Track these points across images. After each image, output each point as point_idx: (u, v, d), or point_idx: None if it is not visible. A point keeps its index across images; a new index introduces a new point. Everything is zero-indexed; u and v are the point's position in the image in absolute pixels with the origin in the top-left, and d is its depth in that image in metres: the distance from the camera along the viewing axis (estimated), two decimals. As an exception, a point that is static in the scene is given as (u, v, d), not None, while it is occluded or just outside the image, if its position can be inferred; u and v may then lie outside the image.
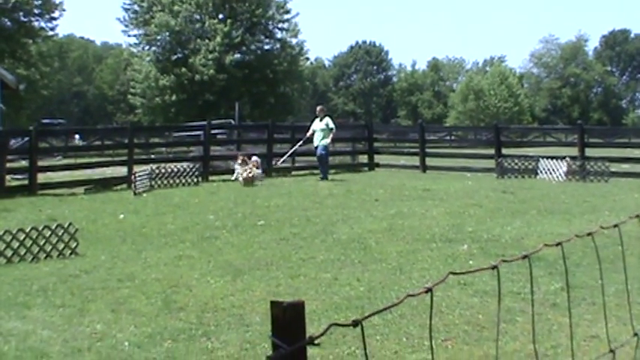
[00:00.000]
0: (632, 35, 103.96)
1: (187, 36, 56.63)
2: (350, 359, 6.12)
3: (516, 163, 24.42)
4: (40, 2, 52.15)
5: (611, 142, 29.01)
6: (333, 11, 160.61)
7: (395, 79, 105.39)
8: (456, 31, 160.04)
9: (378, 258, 10.16)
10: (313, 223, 13.52)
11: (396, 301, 2.31)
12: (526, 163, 24.31)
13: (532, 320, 4.84)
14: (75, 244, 11.15)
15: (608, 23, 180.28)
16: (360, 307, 7.65)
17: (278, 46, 59.55)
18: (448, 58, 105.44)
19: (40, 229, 11.02)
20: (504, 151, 26.45)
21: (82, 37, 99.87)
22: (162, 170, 21.79)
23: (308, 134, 23.44)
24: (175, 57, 57.04)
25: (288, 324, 2.10)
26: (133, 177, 20.60)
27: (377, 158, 29.34)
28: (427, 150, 28.05)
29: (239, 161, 22.49)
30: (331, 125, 23.12)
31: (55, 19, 53.95)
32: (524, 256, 2.97)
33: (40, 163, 22.64)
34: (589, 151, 24.63)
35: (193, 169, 22.60)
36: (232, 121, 43.17)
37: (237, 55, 56.07)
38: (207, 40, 55.28)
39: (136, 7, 58.48)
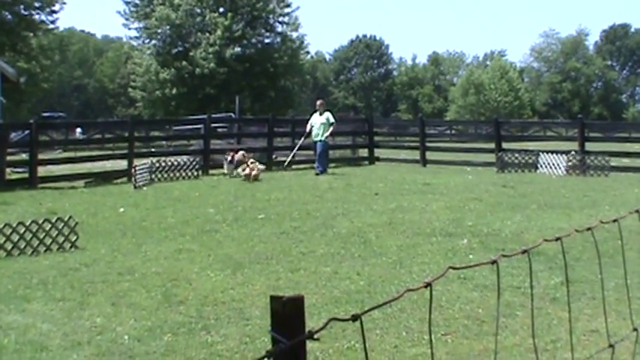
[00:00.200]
0: (632, 30, 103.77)
1: (188, 29, 56.58)
2: (350, 353, 6.13)
3: (516, 158, 24.41)
4: (40, -5, 52.10)
5: (612, 136, 28.98)
6: (333, 5, 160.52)
7: (395, 73, 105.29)
8: (457, 25, 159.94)
9: (378, 252, 10.17)
10: (313, 217, 13.52)
11: (396, 295, 2.31)
12: (526, 158, 24.30)
13: (532, 315, 4.84)
14: (75, 238, 11.15)
15: (608, 17, 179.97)
16: (360, 301, 7.66)
17: (278, 39, 59.49)
18: (448, 52, 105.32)
19: (41, 222, 11.02)
20: (505, 145, 26.43)
21: (83, 31, 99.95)
22: (163, 164, 21.79)
23: (308, 128, 23.38)
24: (176, 50, 56.99)
25: (287, 318, 2.10)
26: (133, 170, 20.58)
27: (377, 152, 29.33)
28: (427, 144, 28.03)
29: (229, 158, 22.30)
30: (332, 120, 23.11)
31: (55, 12, 53.92)
32: (524, 251, 2.97)
33: (41, 157, 22.63)
34: (589, 146, 24.61)
35: (194, 163, 22.59)
36: (233, 115, 43.13)
37: (238, 49, 56.02)
38: (207, 34, 55.23)
39: (136, 0, 58.42)
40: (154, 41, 58.03)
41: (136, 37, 60.48)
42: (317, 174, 22.36)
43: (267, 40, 59.67)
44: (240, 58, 55.83)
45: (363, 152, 29.91)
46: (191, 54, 54.96)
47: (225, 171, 22.26)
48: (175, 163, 22.15)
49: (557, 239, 3.21)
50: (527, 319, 6.65)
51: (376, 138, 30.13)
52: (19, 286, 8.65)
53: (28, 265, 9.88)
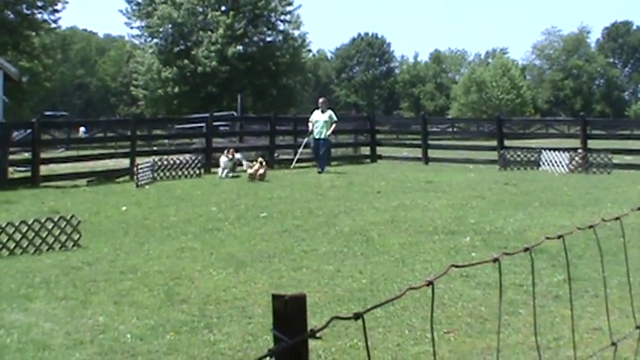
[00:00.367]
0: (634, 27, 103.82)
1: (190, 28, 56.58)
2: (352, 352, 6.13)
3: (519, 155, 24.40)
4: (42, -6, 52.13)
5: (614, 133, 28.95)
6: (335, 3, 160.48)
7: (397, 71, 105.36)
8: (458, 23, 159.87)
9: (380, 250, 10.17)
10: (315, 215, 13.52)
11: (398, 293, 2.31)
12: (528, 155, 24.30)
13: (534, 312, 4.83)
14: (77, 237, 11.16)
15: (610, 15, 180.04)
16: (363, 299, 7.65)
17: (280, 38, 59.49)
18: (450, 49, 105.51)
19: (43, 221, 11.03)
20: (507, 142, 26.43)
21: (85, 30, 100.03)
22: (165, 162, 21.79)
23: (310, 127, 23.28)
24: (178, 49, 57.00)
25: (289, 317, 2.10)
26: (135, 169, 20.57)
27: (379, 150, 29.32)
28: (429, 142, 28.03)
29: (226, 158, 21.84)
30: (334, 118, 23.08)
31: (57, 11, 53.99)
32: (527, 249, 2.97)
33: (43, 155, 22.65)
34: (591, 143, 24.61)
35: (196, 161, 22.60)
36: (235, 113, 43.15)
37: (240, 47, 56.04)
38: (209, 32, 55.23)
39: (138, -1, 58.45)
40: (156, 40, 58.05)
41: (138, 36, 60.58)
42: (319, 172, 22.33)
43: (269, 39, 59.67)
44: (242, 56, 55.84)
45: (365, 150, 29.90)
46: (193, 52, 54.97)
47: (221, 174, 21.70)
48: (177, 161, 22.16)
49: (560, 237, 3.20)
50: (530, 316, 6.64)
51: (378, 136, 30.15)
52: (22, 285, 8.65)
53: (31, 264, 9.89)
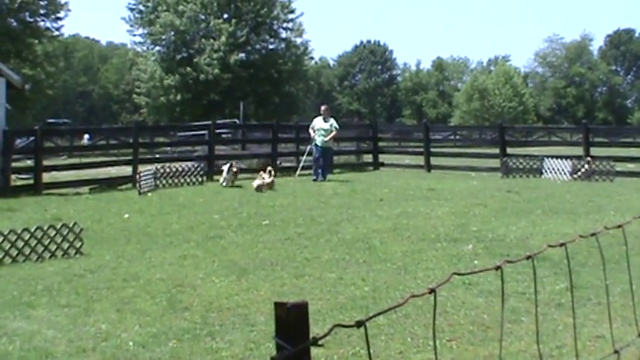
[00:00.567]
0: (636, 35, 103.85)
1: (192, 36, 56.72)
2: None
3: (521, 163, 24.39)
4: (45, 2, 52.29)
5: (617, 141, 28.93)
6: (337, 11, 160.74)
7: (399, 79, 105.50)
8: (461, 31, 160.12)
9: (382, 258, 10.16)
10: (318, 223, 13.52)
11: (401, 301, 2.31)
12: (531, 163, 24.29)
13: (536, 320, 4.83)
14: (80, 244, 11.16)
15: (612, 23, 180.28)
16: (365, 307, 7.65)
17: (283, 45, 59.62)
18: (453, 57, 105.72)
19: (45, 228, 11.03)
20: (509, 150, 26.43)
21: (88, 37, 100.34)
22: (167, 170, 21.78)
23: (312, 134, 23.14)
24: (180, 56, 57.14)
25: (291, 325, 2.10)
26: (137, 176, 20.57)
27: (381, 158, 29.32)
28: (432, 149, 28.03)
29: (231, 169, 21.37)
30: (336, 126, 23.02)
31: (60, 19, 54.18)
32: (529, 257, 2.97)
33: (46, 163, 22.68)
34: (594, 151, 24.59)
35: (198, 169, 22.59)
36: (237, 121, 43.20)
37: (242, 55, 56.18)
38: (212, 40, 55.36)
39: (141, 7, 58.62)
40: (158, 47, 58.21)
41: (141, 44, 60.80)
42: (322, 180, 22.28)
43: (271, 46, 59.81)
44: (245, 64, 55.95)
45: (368, 158, 29.90)
46: (195, 60, 55.10)
47: (222, 182, 21.44)
48: (180, 169, 22.15)
49: (562, 245, 3.20)
50: (533, 324, 6.63)
51: (380, 143, 30.15)
52: (24, 292, 8.65)
53: (33, 272, 9.89)
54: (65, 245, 11.03)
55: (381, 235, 11.99)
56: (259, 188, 19.71)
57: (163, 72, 56.04)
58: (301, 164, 25.03)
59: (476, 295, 7.97)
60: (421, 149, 28.28)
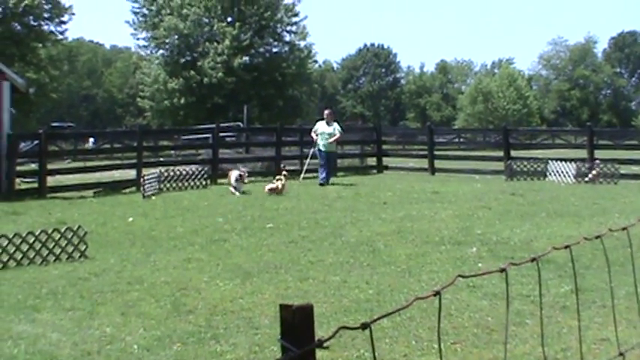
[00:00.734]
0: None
1: (196, 39, 56.76)
2: (359, 362, 6.13)
3: (525, 166, 24.36)
4: (49, 6, 52.38)
5: (621, 144, 28.89)
6: (341, 14, 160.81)
7: (403, 82, 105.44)
8: (465, 34, 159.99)
9: (386, 261, 10.16)
10: (322, 226, 13.52)
11: (405, 304, 2.31)
12: (535, 166, 24.26)
13: (541, 323, 4.83)
14: (84, 247, 11.18)
15: (617, 25, 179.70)
16: (369, 309, 7.65)
17: (286, 49, 59.61)
18: (456, 60, 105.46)
19: (50, 232, 11.05)
20: (513, 153, 26.41)
21: (92, 41, 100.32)
22: (171, 173, 21.79)
23: (315, 138, 23.09)
24: (184, 60, 57.17)
25: (297, 327, 2.10)
26: (142, 180, 20.59)
27: (385, 161, 29.32)
28: (436, 152, 28.01)
29: (241, 178, 20.73)
30: (339, 129, 23.00)
31: (64, 22, 54.24)
32: (533, 259, 2.97)
33: (50, 167, 22.70)
34: (598, 153, 24.55)
35: (202, 172, 22.60)
36: (241, 124, 43.20)
37: (246, 58, 56.16)
38: (215, 43, 55.39)
39: (145, 10, 58.66)
40: (162, 51, 58.25)
41: (145, 47, 60.81)
42: (320, 184, 22.19)
43: (275, 50, 59.81)
44: (248, 67, 55.97)
45: (372, 161, 29.91)
46: (199, 64, 55.13)
47: (235, 192, 20.23)
48: (184, 172, 22.15)
49: (567, 247, 3.20)
50: (537, 327, 6.63)
51: (384, 147, 30.11)
52: (29, 295, 8.67)
53: (38, 275, 9.90)
54: (70, 249, 11.05)
55: (385, 238, 11.99)
56: (272, 191, 19.61)
57: (167, 75, 56.08)
58: (305, 167, 25.00)
59: (480, 297, 7.96)
60: (425, 152, 28.25)
